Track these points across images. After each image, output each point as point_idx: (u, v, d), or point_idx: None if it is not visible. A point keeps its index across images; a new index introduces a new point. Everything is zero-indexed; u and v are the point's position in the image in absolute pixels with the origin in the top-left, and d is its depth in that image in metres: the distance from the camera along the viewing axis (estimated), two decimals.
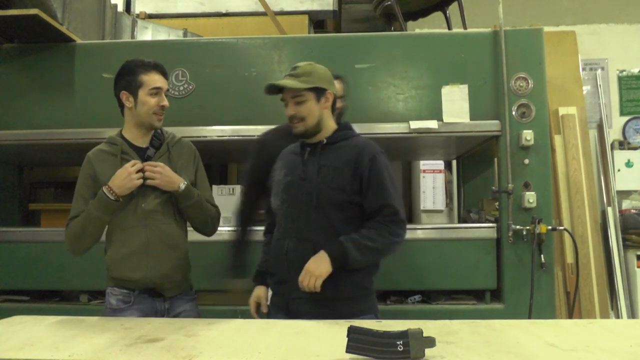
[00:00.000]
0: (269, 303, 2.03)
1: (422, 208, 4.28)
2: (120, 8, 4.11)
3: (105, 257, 2.07)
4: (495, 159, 3.40)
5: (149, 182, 2.00)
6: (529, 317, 2.65)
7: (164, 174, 2.01)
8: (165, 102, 2.06)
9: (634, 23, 5.04)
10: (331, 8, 4.64)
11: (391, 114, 2.87)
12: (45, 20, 2.73)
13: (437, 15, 3.69)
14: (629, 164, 4.76)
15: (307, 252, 1.84)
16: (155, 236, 2.01)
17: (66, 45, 2.99)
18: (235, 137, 2.90)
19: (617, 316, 4.40)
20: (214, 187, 2.90)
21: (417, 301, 2.87)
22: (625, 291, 4.44)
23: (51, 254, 2.89)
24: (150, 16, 4.62)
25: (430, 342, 1.25)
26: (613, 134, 4.91)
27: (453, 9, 3.58)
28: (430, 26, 4.44)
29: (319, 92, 1.91)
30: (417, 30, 4.31)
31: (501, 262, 2.81)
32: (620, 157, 4.77)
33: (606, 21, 5.06)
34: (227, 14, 4.62)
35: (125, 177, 1.95)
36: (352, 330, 1.26)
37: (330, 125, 1.97)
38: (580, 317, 4.13)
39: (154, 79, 2.03)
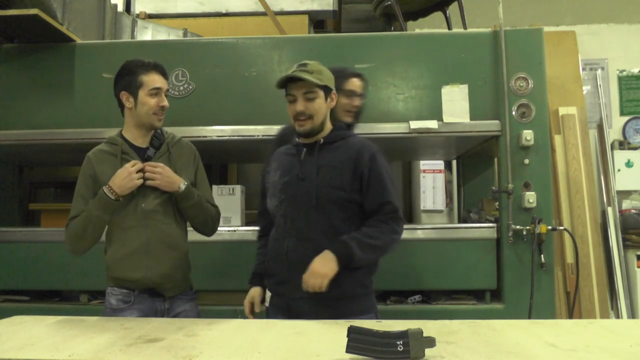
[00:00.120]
0: (267, 304, 2.02)
1: (422, 208, 4.28)
2: (120, 8, 4.11)
3: (105, 257, 2.07)
4: (495, 159, 3.40)
5: (149, 182, 2.00)
6: (529, 317, 2.65)
7: (164, 175, 2.01)
8: (165, 103, 2.07)
9: (634, 23, 5.04)
10: (331, 8, 4.64)
11: (391, 114, 2.87)
12: (45, 20, 2.73)
13: (437, 15, 3.69)
14: (629, 164, 4.76)
15: (308, 251, 1.84)
16: (155, 236, 2.01)
17: (66, 45, 2.99)
18: (235, 137, 2.90)
19: (617, 316, 4.40)
20: (214, 187, 2.90)
21: (417, 301, 2.87)
22: (625, 291, 4.44)
23: (51, 254, 2.90)
24: (150, 16, 4.62)
25: (430, 342, 1.25)
26: (613, 134, 4.91)
27: (453, 9, 3.58)
28: (430, 26, 4.44)
29: (327, 91, 1.92)
30: (417, 30, 4.32)
31: (501, 262, 2.81)
32: (620, 157, 4.77)
33: (606, 21, 5.06)
34: (227, 14, 4.62)
35: (126, 176, 1.95)
36: (352, 330, 1.26)
37: (327, 125, 1.98)
38: (580, 317, 4.13)
39: (153, 80, 2.03)
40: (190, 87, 2.94)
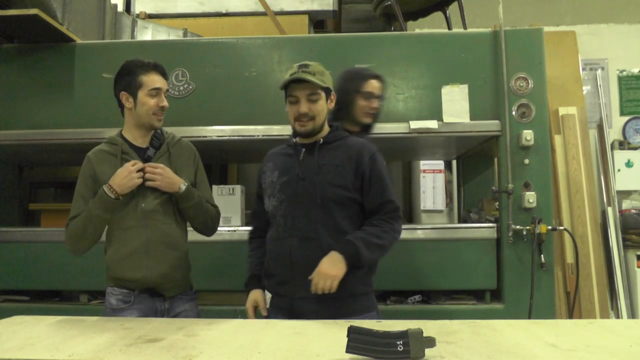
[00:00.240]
0: (267, 306, 2.02)
1: (422, 208, 4.28)
2: (120, 8, 4.11)
3: (105, 257, 2.07)
4: (495, 159, 3.40)
5: (149, 183, 2.00)
6: (529, 317, 2.65)
7: (164, 176, 2.01)
8: (165, 103, 2.07)
9: (634, 23, 5.04)
10: (331, 8, 4.64)
11: (391, 114, 2.87)
12: (45, 20, 2.73)
13: (437, 15, 3.69)
14: (629, 164, 4.76)
15: (314, 250, 1.85)
16: (155, 236, 2.01)
17: (66, 45, 2.99)
18: (235, 137, 2.90)
19: (617, 316, 4.40)
20: (214, 187, 2.90)
21: (417, 301, 2.87)
22: (625, 291, 4.44)
23: (51, 254, 2.90)
24: (150, 16, 4.62)
25: (430, 342, 1.25)
26: (613, 134, 4.91)
27: (453, 9, 3.58)
28: (430, 26, 4.44)
29: (327, 92, 1.93)
30: (417, 30, 4.32)
31: (501, 262, 2.81)
32: (620, 157, 4.77)
33: (606, 21, 5.05)
34: (227, 14, 4.62)
35: (126, 175, 1.95)
36: (352, 330, 1.26)
37: (326, 126, 1.99)
38: (580, 317, 4.13)
39: (153, 80, 2.03)
40: (190, 87, 2.93)
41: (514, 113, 2.84)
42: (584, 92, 4.78)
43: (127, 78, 2.03)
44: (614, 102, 4.99)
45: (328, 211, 1.88)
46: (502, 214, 2.83)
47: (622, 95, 5.00)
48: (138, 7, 4.63)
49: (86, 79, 2.97)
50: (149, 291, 2.02)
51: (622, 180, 4.74)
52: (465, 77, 2.87)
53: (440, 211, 4.28)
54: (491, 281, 2.83)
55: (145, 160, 2.05)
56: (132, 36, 3.97)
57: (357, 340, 1.25)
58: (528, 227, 2.76)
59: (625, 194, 4.76)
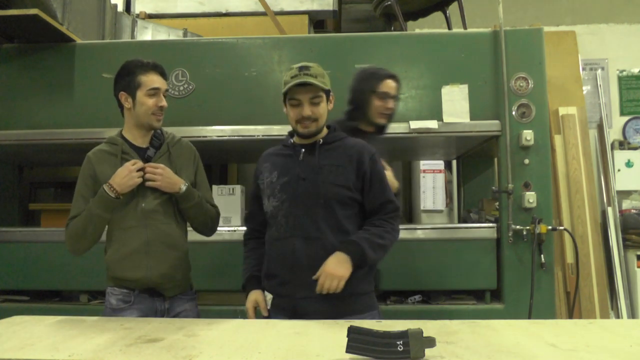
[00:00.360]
0: (268, 307, 2.01)
1: (422, 208, 4.28)
2: (120, 8, 4.11)
3: (105, 257, 2.07)
4: (495, 159, 3.40)
5: (149, 183, 2.00)
6: (529, 317, 2.65)
7: (165, 176, 2.01)
8: (164, 103, 2.06)
9: (634, 23, 5.04)
10: (331, 8, 4.64)
11: None
12: (45, 20, 2.73)
13: (437, 15, 3.70)
14: (629, 164, 4.76)
15: (316, 250, 1.86)
16: (155, 236, 2.01)
17: (66, 45, 2.99)
18: (235, 137, 2.90)
19: (617, 316, 4.40)
20: (214, 187, 2.90)
21: (417, 301, 2.87)
22: (625, 291, 4.44)
23: (51, 254, 2.90)
24: (150, 16, 4.62)
25: (430, 342, 1.24)
26: (613, 134, 4.91)
27: (453, 9, 3.59)
28: (430, 26, 4.44)
29: (327, 94, 1.95)
30: (417, 30, 4.32)
31: (501, 262, 2.81)
32: (620, 157, 4.77)
33: (606, 21, 5.05)
34: (227, 14, 4.62)
35: (126, 174, 1.95)
36: (352, 330, 1.26)
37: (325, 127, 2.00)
38: (580, 317, 4.13)
39: (152, 80, 2.03)
40: (190, 87, 2.94)
41: (514, 113, 2.84)
42: (584, 92, 4.78)
43: (126, 78, 2.03)
44: (614, 102, 4.99)
45: (331, 210, 1.89)
46: (502, 214, 2.83)
47: (622, 95, 5.00)
48: (138, 7, 4.63)
49: (86, 79, 2.97)
50: (149, 291, 2.02)
51: (622, 180, 4.74)
52: (465, 77, 2.87)
53: (440, 211, 4.28)
54: (491, 281, 2.83)
55: (146, 160, 2.05)
56: (132, 36, 3.97)
57: (357, 340, 1.25)
58: (528, 227, 2.76)
59: (625, 194, 4.76)
